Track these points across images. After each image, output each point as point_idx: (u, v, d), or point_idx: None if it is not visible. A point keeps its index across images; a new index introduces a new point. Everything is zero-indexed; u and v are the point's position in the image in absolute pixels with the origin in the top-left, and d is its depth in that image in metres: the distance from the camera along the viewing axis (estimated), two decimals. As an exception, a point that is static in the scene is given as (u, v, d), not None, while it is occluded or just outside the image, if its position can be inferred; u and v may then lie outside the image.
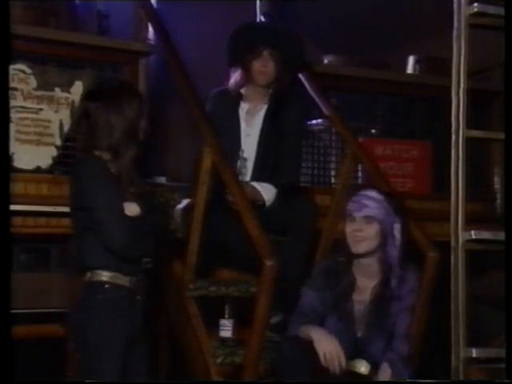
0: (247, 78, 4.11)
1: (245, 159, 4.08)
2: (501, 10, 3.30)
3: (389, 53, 5.52)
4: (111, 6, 4.95)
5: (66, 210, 3.20)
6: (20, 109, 3.91)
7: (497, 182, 5.04)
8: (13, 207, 3.28)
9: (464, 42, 3.30)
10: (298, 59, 4.21)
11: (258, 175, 4.06)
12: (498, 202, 5.00)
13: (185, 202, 4.01)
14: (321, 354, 3.27)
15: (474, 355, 3.24)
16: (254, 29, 4.31)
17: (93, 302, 3.05)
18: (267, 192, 3.96)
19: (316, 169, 4.68)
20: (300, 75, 4.37)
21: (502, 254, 3.18)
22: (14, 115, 3.86)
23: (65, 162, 3.94)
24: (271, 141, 4.08)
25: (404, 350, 3.43)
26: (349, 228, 3.49)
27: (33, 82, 3.95)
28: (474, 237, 3.27)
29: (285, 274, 3.43)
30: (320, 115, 4.53)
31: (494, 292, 4.46)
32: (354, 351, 3.38)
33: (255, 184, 3.98)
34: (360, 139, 4.49)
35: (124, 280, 3.07)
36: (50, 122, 3.98)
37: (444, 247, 3.44)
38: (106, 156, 3.10)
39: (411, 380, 3.38)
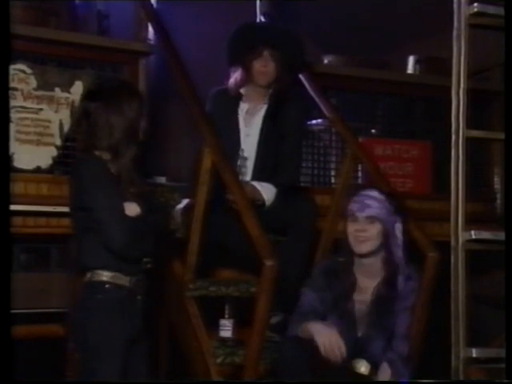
0: (247, 78, 4.11)
1: (245, 158, 4.08)
2: (501, 10, 3.30)
3: (389, 53, 5.52)
4: (111, 5, 4.95)
5: (66, 210, 3.20)
6: (20, 109, 3.91)
7: (497, 182, 5.04)
8: (13, 207, 3.29)
9: (464, 42, 3.30)
10: (298, 59, 4.21)
11: (258, 175, 4.06)
12: (498, 201, 5.00)
13: (185, 202, 4.01)
14: (321, 346, 3.28)
15: (474, 355, 3.24)
16: (255, 29, 4.31)
17: (93, 302, 3.05)
18: (267, 191, 3.97)
19: (316, 169, 4.67)
20: (300, 75, 4.37)
21: (502, 253, 3.18)
22: (14, 115, 3.86)
23: (65, 162, 3.93)
24: (271, 141, 4.08)
25: (404, 349, 3.43)
26: (351, 228, 3.49)
27: (33, 82, 3.95)
28: (473, 237, 3.27)
29: (285, 274, 3.43)
30: (320, 115, 4.53)
31: (494, 292, 4.45)
32: (354, 351, 3.38)
33: (255, 183, 3.99)
34: (360, 139, 4.49)
35: (124, 280, 3.07)
36: (49, 121, 3.97)
37: (444, 247, 3.44)
38: (106, 156, 3.10)
39: (411, 380, 3.38)
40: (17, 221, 3.75)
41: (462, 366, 3.23)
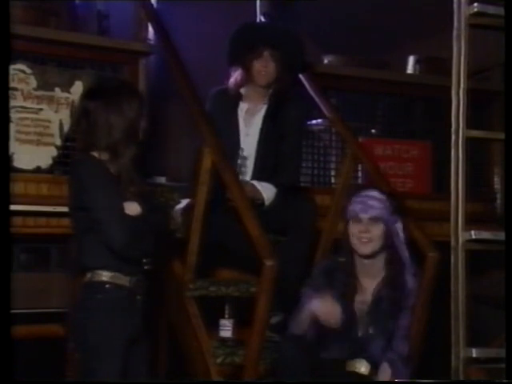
0: (247, 78, 4.11)
1: (245, 158, 4.08)
2: (501, 10, 3.30)
3: (389, 53, 5.52)
4: (111, 5, 4.95)
5: (66, 210, 3.20)
6: (20, 109, 3.91)
7: (497, 182, 5.04)
8: (13, 207, 3.29)
9: (464, 42, 3.29)
10: (298, 59, 4.21)
11: (258, 175, 4.06)
12: (498, 201, 5.00)
13: (185, 202, 4.01)
14: (319, 315, 3.33)
15: (474, 355, 3.24)
16: (255, 29, 4.31)
17: (93, 302, 3.05)
18: (267, 191, 3.97)
19: (316, 169, 4.68)
20: (300, 75, 4.37)
21: (502, 254, 3.18)
22: (14, 115, 3.86)
23: (65, 161, 3.93)
24: (271, 141, 4.08)
25: (404, 349, 3.43)
26: (354, 229, 3.48)
27: (33, 82, 3.95)
28: (474, 237, 3.27)
29: (285, 274, 3.43)
30: (320, 115, 4.53)
31: (494, 292, 4.46)
32: (354, 351, 3.38)
33: (255, 182, 3.99)
34: (360, 139, 4.49)
35: (124, 280, 3.07)
36: (50, 122, 3.98)
37: (444, 247, 3.44)
38: (105, 156, 3.10)
39: (411, 380, 3.38)
40: (17, 221, 3.75)
41: (461, 366, 3.23)
